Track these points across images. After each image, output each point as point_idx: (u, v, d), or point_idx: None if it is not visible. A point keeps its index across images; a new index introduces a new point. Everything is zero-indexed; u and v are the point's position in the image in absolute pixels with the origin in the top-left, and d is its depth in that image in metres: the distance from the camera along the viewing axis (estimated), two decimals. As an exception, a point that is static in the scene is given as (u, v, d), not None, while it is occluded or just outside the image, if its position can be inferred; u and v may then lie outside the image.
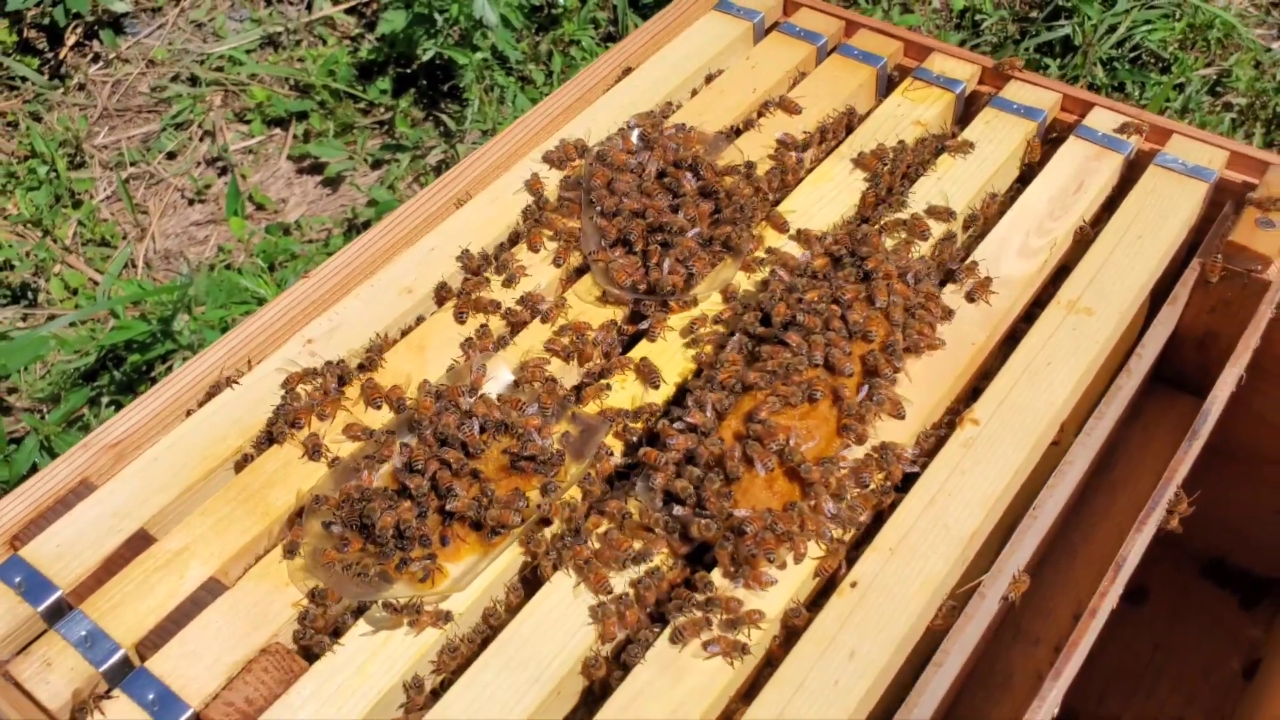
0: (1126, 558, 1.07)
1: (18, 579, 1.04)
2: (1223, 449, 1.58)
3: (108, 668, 0.98)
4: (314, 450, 1.11)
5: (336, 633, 1.00)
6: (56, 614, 1.03)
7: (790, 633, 1.01)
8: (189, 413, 1.18)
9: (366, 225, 2.98)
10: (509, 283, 1.27)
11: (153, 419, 1.16)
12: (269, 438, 1.15)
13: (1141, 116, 1.42)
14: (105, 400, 2.52)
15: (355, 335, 1.23)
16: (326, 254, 2.89)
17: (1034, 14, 3.32)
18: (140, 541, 1.08)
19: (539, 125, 1.47)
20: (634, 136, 1.39)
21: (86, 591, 1.04)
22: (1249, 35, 3.22)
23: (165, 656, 0.99)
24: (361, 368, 1.20)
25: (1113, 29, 3.18)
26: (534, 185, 1.37)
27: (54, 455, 2.23)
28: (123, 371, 2.59)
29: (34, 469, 2.24)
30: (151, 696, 0.96)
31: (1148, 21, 3.20)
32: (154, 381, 2.58)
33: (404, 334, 1.25)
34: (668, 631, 0.98)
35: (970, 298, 1.25)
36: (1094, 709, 1.65)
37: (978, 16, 3.35)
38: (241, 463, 1.14)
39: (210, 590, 1.04)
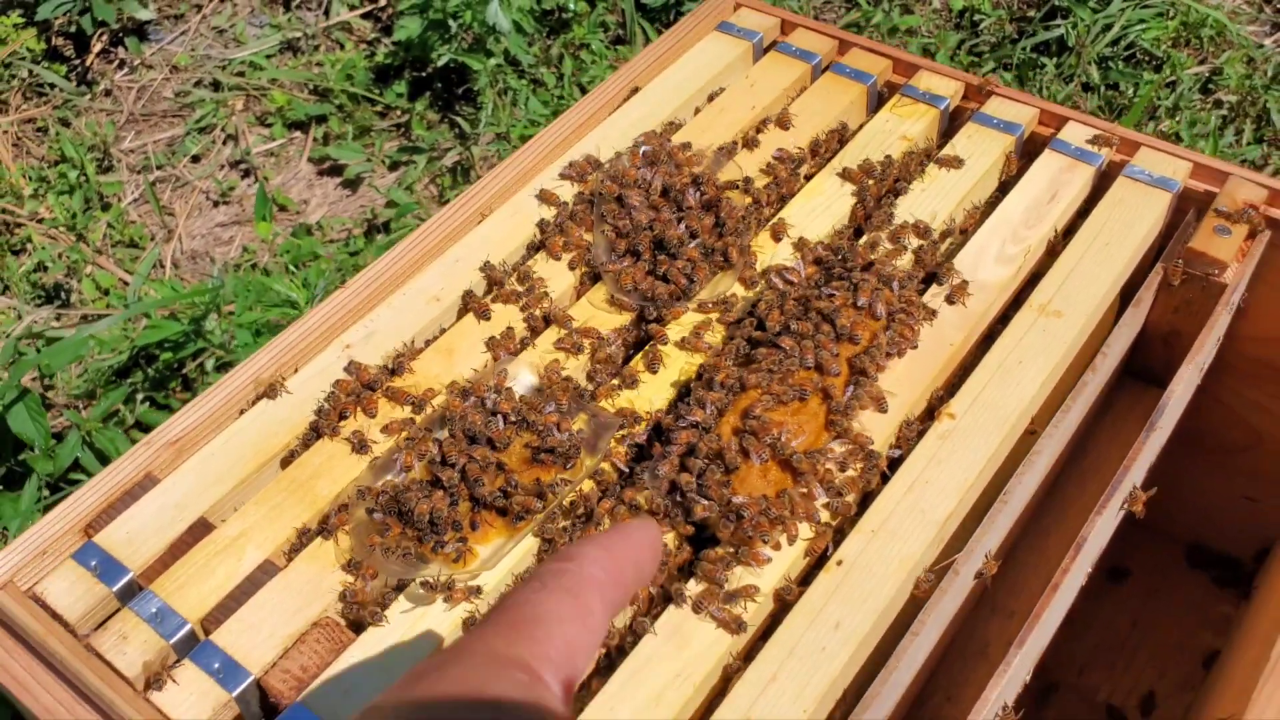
0: (1087, 538, 1.19)
1: (93, 562, 1.17)
2: (1195, 439, 1.70)
3: (177, 640, 1.11)
4: (360, 445, 1.24)
5: (382, 607, 1.13)
6: (129, 594, 1.15)
7: (783, 606, 1.13)
8: (241, 412, 1.30)
9: (386, 226, 3.10)
10: (528, 293, 1.39)
11: (208, 418, 1.29)
12: (314, 434, 1.27)
13: (1113, 130, 1.53)
14: (140, 396, 2.65)
15: (389, 341, 1.36)
16: (348, 254, 3.01)
17: (1032, 13, 3.42)
18: (201, 529, 1.20)
19: (553, 142, 1.58)
20: (641, 154, 1.50)
21: (154, 574, 1.16)
22: (1241, 33, 3.31)
23: (227, 630, 1.11)
24: (392, 372, 1.32)
25: (1107, 28, 3.28)
26: (549, 198, 1.49)
27: (94, 449, 2.37)
28: (155, 369, 2.72)
29: (76, 463, 2.37)
30: (217, 665, 1.08)
31: (1141, 20, 3.29)
32: (185, 379, 2.71)
33: (430, 341, 1.37)
34: (682, 601, 1.10)
35: (950, 300, 1.36)
36: (1075, 680, 1.77)
37: (976, 16, 3.45)
38: (289, 457, 1.26)
39: (266, 571, 1.16)
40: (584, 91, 3.33)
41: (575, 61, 3.39)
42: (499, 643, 0.61)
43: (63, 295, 3.09)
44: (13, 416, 2.24)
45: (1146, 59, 3.30)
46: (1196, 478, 1.81)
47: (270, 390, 1.28)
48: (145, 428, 2.58)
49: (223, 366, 2.58)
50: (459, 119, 3.31)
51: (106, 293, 3.08)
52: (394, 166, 3.29)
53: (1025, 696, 1.45)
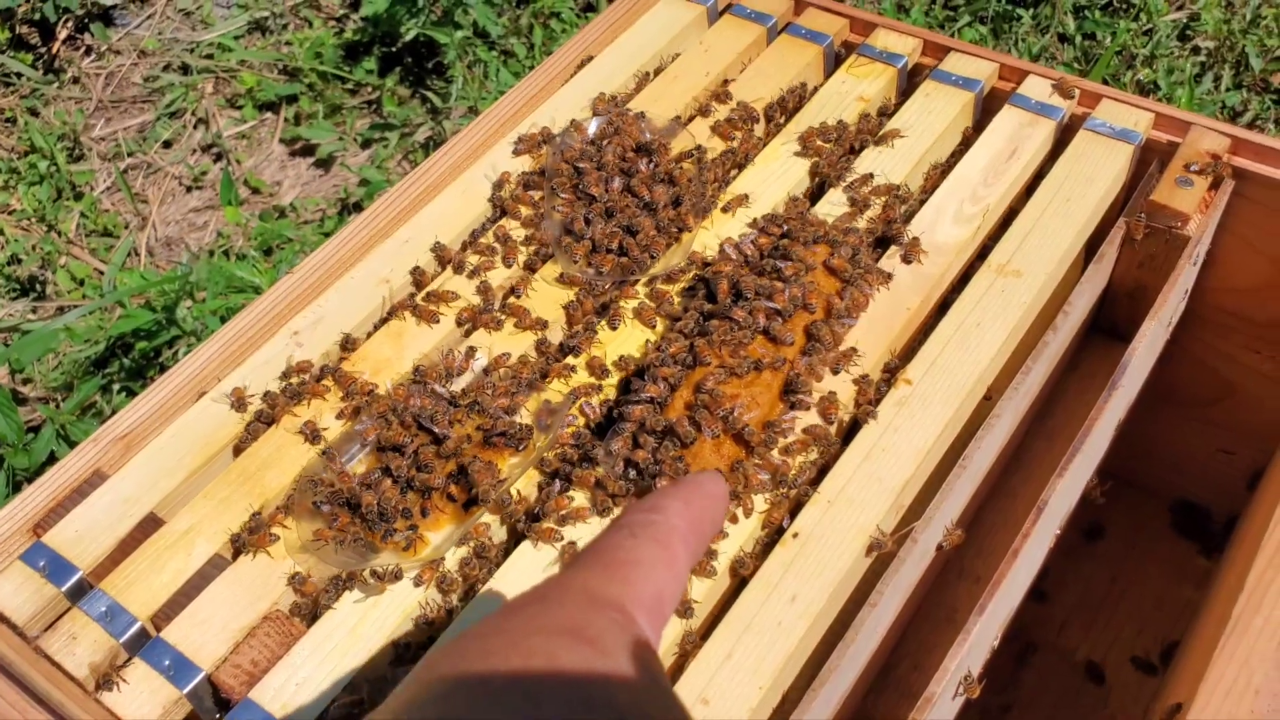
0: (1048, 501, 1.17)
1: (41, 562, 1.15)
2: (1167, 393, 1.68)
3: (127, 639, 1.10)
4: (313, 435, 1.22)
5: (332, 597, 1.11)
6: (78, 593, 1.14)
7: (739, 581, 1.12)
8: (195, 400, 1.28)
9: (359, 205, 3.07)
10: (474, 274, 1.36)
11: (157, 411, 1.27)
12: (263, 424, 1.25)
13: (1074, 82, 1.50)
14: (117, 387, 2.63)
15: (337, 326, 1.33)
16: (323, 234, 2.99)
17: (1006, -36, 3.36)
18: (150, 524, 1.18)
19: (504, 116, 1.56)
20: (592, 125, 1.47)
21: (104, 571, 1.15)
22: (1217, -23, 3.26)
23: (178, 626, 1.10)
24: (340, 358, 1.30)
25: (1082, -23, 3.22)
26: (502, 178, 1.46)
27: (70, 443, 2.36)
28: (131, 359, 2.70)
29: (52, 457, 2.36)
30: (167, 662, 1.07)
31: (1117, -32, 3.24)
32: (162, 367, 2.70)
33: (378, 325, 1.34)
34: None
35: (905, 259, 1.34)
36: (1054, 639, 1.76)
37: (949, -30, 3.39)
38: (238, 448, 1.25)
39: (216, 565, 1.15)
40: (555, 61, 3.29)
41: (545, 31, 3.34)
42: (596, 582, 0.62)
43: (38, 287, 3.07)
44: (-16, 412, 2.23)
45: (1123, 7, 3.25)
46: (1171, 432, 1.79)
47: (239, 404, 1.26)
48: (123, 418, 2.57)
49: (196, 354, 2.56)
50: (430, 94, 3.27)
51: (82, 283, 3.06)
52: (366, 144, 3.25)
53: (1002, 658, 1.44)
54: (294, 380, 1.28)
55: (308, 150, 3.30)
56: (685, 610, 1.07)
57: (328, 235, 2.98)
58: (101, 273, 3.07)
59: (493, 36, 3.27)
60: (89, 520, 1.19)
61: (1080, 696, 1.68)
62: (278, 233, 2.85)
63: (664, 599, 0.65)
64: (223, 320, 2.32)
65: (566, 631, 0.58)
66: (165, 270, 3.04)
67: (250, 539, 1.14)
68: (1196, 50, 3.10)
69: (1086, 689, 1.69)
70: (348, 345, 1.32)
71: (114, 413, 2.57)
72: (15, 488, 2.28)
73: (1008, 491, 1.42)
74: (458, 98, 3.20)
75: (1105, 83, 2.69)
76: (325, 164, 3.26)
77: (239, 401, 1.25)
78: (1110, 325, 1.56)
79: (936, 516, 1.16)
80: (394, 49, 3.41)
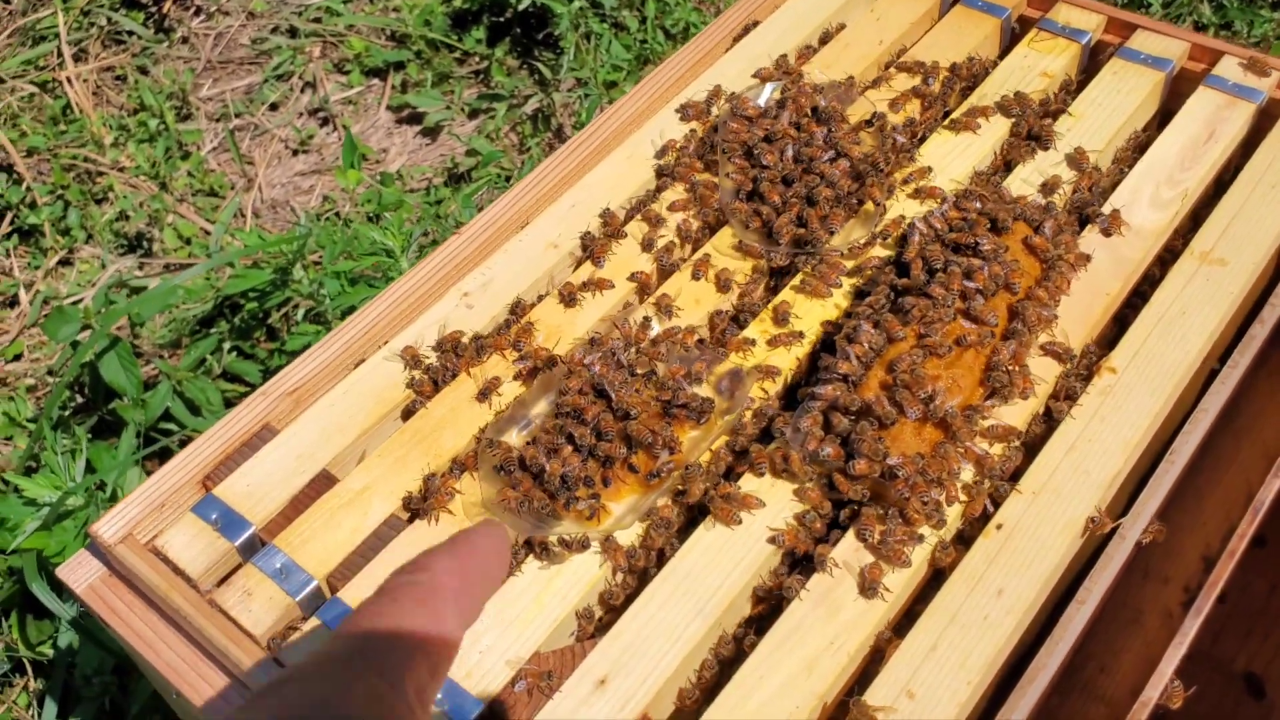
0: (1264, 502, 1.11)
1: (214, 515, 1.13)
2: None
3: (303, 597, 1.07)
4: (483, 392, 1.18)
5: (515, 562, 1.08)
6: (251, 548, 1.12)
7: (937, 571, 1.06)
8: (359, 362, 1.25)
9: (468, 175, 3.05)
10: (647, 246, 1.32)
11: (326, 368, 1.24)
12: (434, 385, 1.22)
13: (1271, 61, 1.42)
14: (227, 346, 2.63)
15: (507, 289, 1.30)
16: (430, 203, 2.97)
17: (1136, -50, 3.25)
18: (323, 482, 1.16)
19: (669, 81, 1.51)
20: (765, 91, 1.42)
21: (276, 528, 1.12)
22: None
23: (355, 588, 1.07)
24: (508, 324, 1.26)
25: (1219, -36, 3.11)
26: (668, 144, 1.42)
27: (185, 399, 2.35)
28: (240, 318, 2.69)
29: (167, 413, 2.36)
30: (346, 623, 1.04)
31: (1256, -45, 3.12)
32: (270, 329, 2.69)
33: (542, 297, 1.31)
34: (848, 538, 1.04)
35: (1106, 232, 1.28)
36: (1209, 649, 1.68)
37: (1076, -46, 3.29)
38: (411, 408, 1.22)
39: (392, 526, 1.12)
40: (667, 35, 3.24)
41: (658, 4, 3.29)
42: (352, 653, 0.63)
43: (145, 244, 3.08)
44: (104, 365, 2.23)
45: (1261, -4, 3.13)
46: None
47: (413, 362, 1.23)
48: (232, 378, 2.57)
49: (314, 316, 2.55)
50: (539, 65, 3.23)
51: (188, 242, 3.07)
52: (473, 114, 3.22)
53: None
54: (464, 341, 1.24)
55: (414, 118, 3.28)
56: (871, 590, 1.02)
57: (436, 204, 2.96)
58: (208, 233, 3.07)
59: (605, 8, 3.22)
60: (261, 475, 1.16)
61: (1239, 709, 1.61)
62: (392, 198, 2.82)
63: (425, 662, 0.64)
64: (352, 283, 2.30)
65: (322, 706, 0.59)
66: (272, 233, 3.03)
67: (425, 504, 1.11)
68: (1340, 44, 2.98)
69: (1245, 702, 1.62)
70: (518, 309, 1.28)
71: (224, 371, 2.58)
72: (141, 439, 2.27)
73: (1195, 491, 1.35)
74: (568, 70, 3.16)
75: None
76: (432, 132, 3.23)
77: (414, 359, 1.22)
78: (1300, 322, 1.48)
79: (1144, 512, 1.10)
80: (504, 18, 3.37)
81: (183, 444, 2.34)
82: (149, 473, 2.40)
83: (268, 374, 2.49)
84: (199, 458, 1.18)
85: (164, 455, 2.33)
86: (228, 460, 1.18)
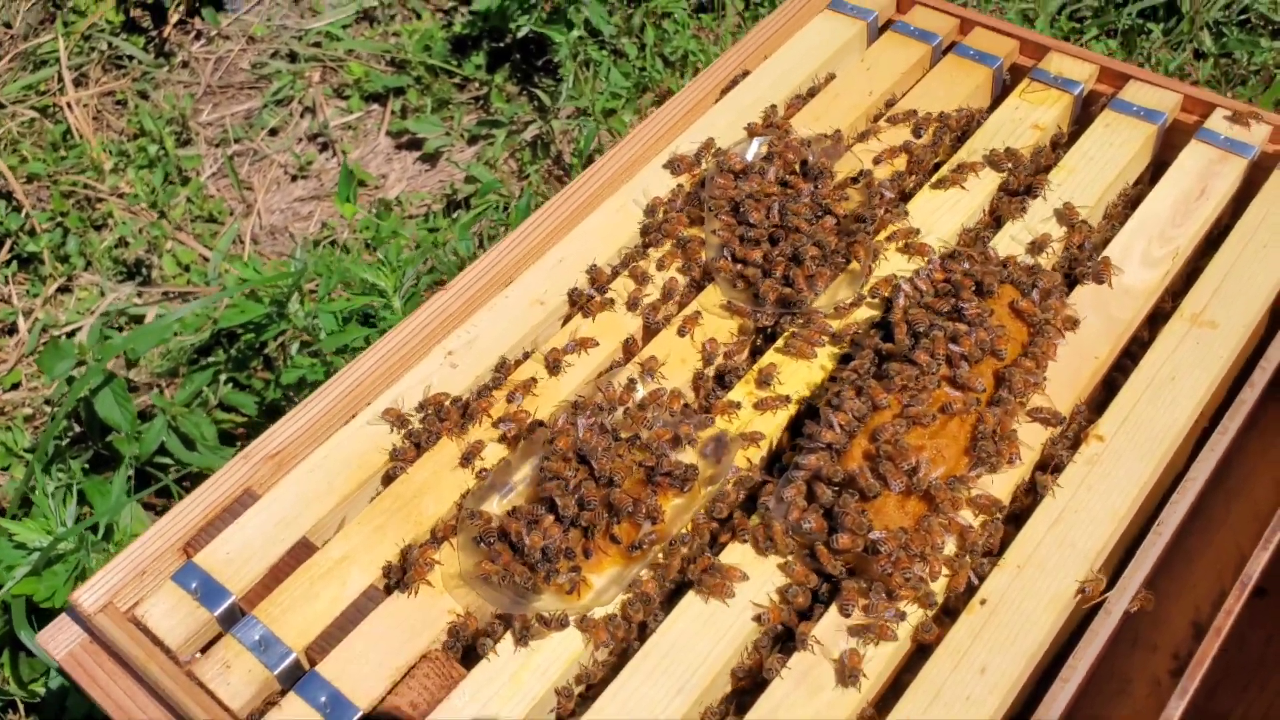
0: (1252, 576, 1.09)
1: (194, 584, 1.12)
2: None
3: (281, 670, 1.06)
4: (465, 457, 1.17)
5: (492, 638, 1.07)
6: (231, 618, 1.11)
7: (920, 647, 1.05)
8: (350, 417, 1.24)
9: (467, 202, 3.04)
10: (634, 305, 1.31)
11: (309, 428, 1.24)
12: (416, 448, 1.21)
13: (1262, 114, 1.41)
14: (224, 378, 2.63)
15: (491, 347, 1.29)
16: (428, 230, 2.96)
17: (1137, -24, 3.23)
18: (303, 550, 1.15)
19: (658, 132, 1.50)
20: (752, 146, 1.41)
21: (256, 597, 1.12)
22: (1365, -5, 3.11)
23: (334, 661, 1.06)
24: (489, 386, 1.25)
25: (1220, -9, 3.09)
26: (653, 202, 1.41)
27: (180, 434, 2.35)
28: (237, 349, 2.69)
29: (162, 447, 2.35)
30: (323, 699, 1.04)
31: (1257, -18, 3.10)
32: (267, 359, 2.69)
33: (528, 354, 1.30)
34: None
35: (1098, 279, 1.26)
36: (1204, 704, 1.66)
37: (1078, -21, 3.28)
38: (392, 473, 1.21)
39: (371, 597, 1.11)
40: (666, 63, 3.23)
41: (658, 31, 3.28)
42: None
43: (144, 272, 3.08)
44: (99, 401, 2.22)
45: (1262, 24, 3.11)
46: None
47: (399, 422, 1.22)
48: (228, 408, 2.56)
49: (307, 347, 2.54)
50: (539, 91, 3.23)
51: (187, 269, 3.07)
52: (473, 140, 3.22)
53: None
54: (447, 404, 1.23)
55: (414, 144, 3.27)
56: (850, 678, 1.01)
57: (433, 232, 2.95)
58: (206, 259, 3.07)
59: (605, 35, 3.22)
60: (241, 542, 1.15)
61: (1234, 764, 1.60)
62: (388, 229, 2.82)
63: None
64: (344, 321, 2.30)
65: None
66: (270, 259, 3.03)
67: (404, 577, 1.10)
68: (1343, 72, 2.96)
69: (1240, 757, 1.60)
70: (502, 368, 1.28)
71: (220, 403, 2.57)
72: (134, 477, 2.27)
73: (1184, 555, 1.34)
74: (567, 97, 3.15)
75: (1278, 108, 2.57)
76: (431, 159, 3.23)
77: (399, 420, 1.21)
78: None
79: (1130, 586, 1.09)
80: (503, 44, 3.37)
81: (179, 480, 2.34)
82: (147, 507, 2.40)
83: (263, 406, 2.49)
84: (181, 523, 1.18)
85: (162, 492, 2.34)
86: (209, 526, 1.18)
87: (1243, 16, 3.11)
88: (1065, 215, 1.35)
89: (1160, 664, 1.24)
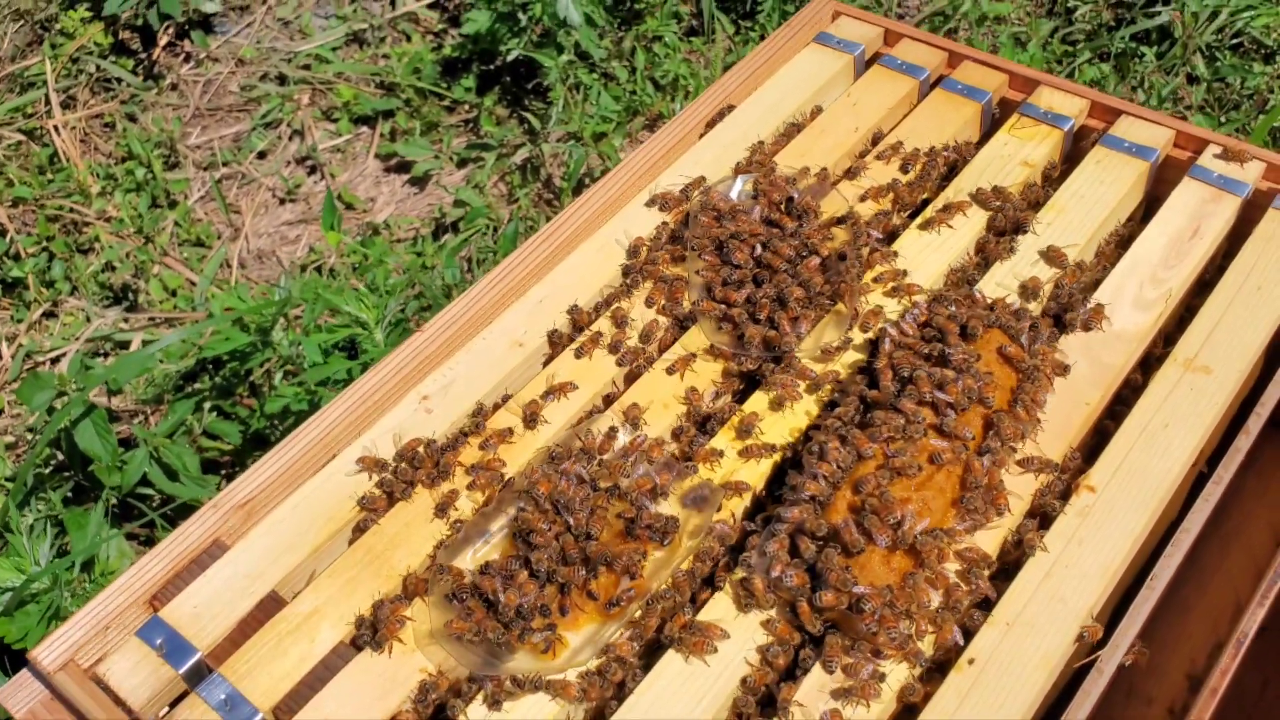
0: (1248, 634, 1.06)
1: (159, 640, 1.09)
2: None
3: (248, 732, 1.03)
4: (439, 508, 1.14)
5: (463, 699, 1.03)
6: (196, 676, 1.08)
7: (907, 709, 1.02)
8: (331, 459, 1.21)
9: (455, 226, 3.02)
10: (614, 348, 1.28)
11: (280, 476, 1.20)
12: (389, 499, 1.18)
13: (1256, 152, 1.39)
14: (208, 406, 2.60)
15: (468, 392, 1.26)
16: (415, 254, 2.94)
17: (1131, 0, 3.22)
18: (271, 604, 1.12)
19: (642, 168, 1.47)
20: (736, 185, 1.39)
21: (223, 653, 1.08)
22: (1359, 19, 3.09)
23: (301, 721, 1.03)
24: (465, 433, 1.22)
25: (1213, 15, 3.08)
26: (635, 243, 1.38)
27: (162, 465, 2.32)
28: (221, 376, 2.66)
29: (145, 479, 2.32)
30: (290, 762, 1.00)
31: (1250, 7, 3.09)
32: (253, 386, 2.65)
33: (507, 397, 1.27)
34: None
35: (1086, 326, 1.24)
36: (1197, 745, 1.63)
37: (1070, 3, 3.27)
38: (363, 524, 1.18)
39: (341, 654, 1.08)
40: (657, 86, 3.21)
41: (648, 55, 3.26)
42: None
43: (130, 296, 3.05)
44: (80, 433, 2.19)
45: (1255, 48, 3.10)
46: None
47: (378, 467, 1.19)
48: (213, 436, 2.53)
49: (293, 377, 2.51)
50: (528, 115, 3.20)
51: (174, 293, 3.04)
52: (462, 163, 3.20)
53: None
54: (420, 450, 1.20)
55: (403, 167, 3.25)
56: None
57: (419, 255, 2.92)
58: (193, 284, 3.04)
59: (595, 59, 3.20)
60: (208, 595, 1.12)
61: (1230, 812, 1.56)
62: (375, 257, 2.80)
63: None
64: (326, 354, 2.27)
65: None
66: (257, 284, 3.00)
67: (375, 635, 1.07)
68: (1338, 97, 2.94)
69: (1237, 804, 1.57)
70: (478, 414, 1.25)
71: (204, 430, 2.54)
72: (114, 508, 2.24)
73: (1180, 605, 1.31)
74: (557, 120, 3.13)
75: (1267, 145, 2.55)
76: (420, 182, 3.21)
77: (376, 465, 1.18)
78: (1289, 419, 1.44)
79: (1122, 642, 1.06)
80: (493, 68, 3.35)
81: (162, 510, 2.31)
82: (130, 537, 2.36)
83: (247, 435, 2.45)
84: (147, 576, 1.14)
85: (148, 523, 2.30)
86: (176, 578, 1.15)
87: (1235, 40, 3.10)
88: (1054, 257, 1.32)
89: (1155, 717, 1.21)
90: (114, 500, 2.31)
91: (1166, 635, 1.29)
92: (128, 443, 2.58)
